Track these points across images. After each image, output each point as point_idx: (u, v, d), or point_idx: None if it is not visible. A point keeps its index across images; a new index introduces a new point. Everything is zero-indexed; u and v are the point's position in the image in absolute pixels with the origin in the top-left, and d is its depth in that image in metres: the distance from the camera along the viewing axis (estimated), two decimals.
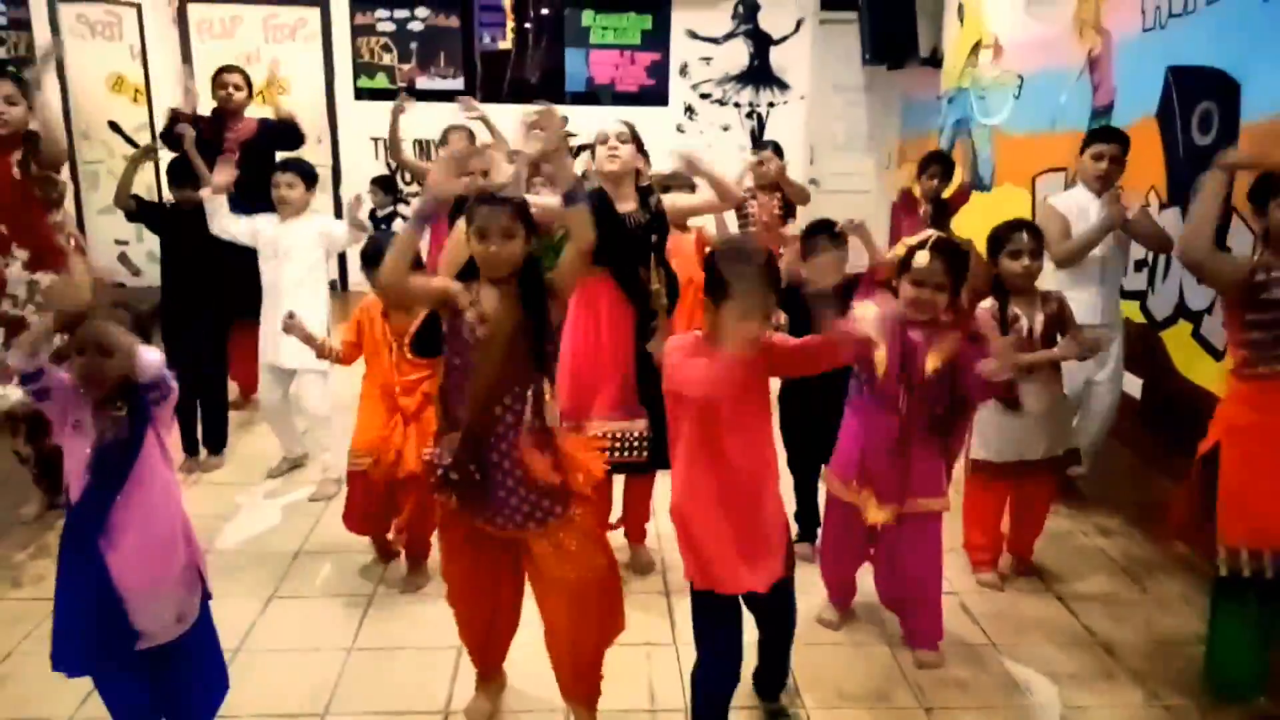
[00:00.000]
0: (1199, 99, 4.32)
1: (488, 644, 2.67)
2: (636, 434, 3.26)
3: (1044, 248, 3.42)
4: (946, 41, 7.50)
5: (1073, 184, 4.48)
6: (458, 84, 8.22)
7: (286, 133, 5.12)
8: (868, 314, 2.23)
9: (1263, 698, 2.78)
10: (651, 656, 3.02)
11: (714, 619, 2.40)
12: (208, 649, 2.45)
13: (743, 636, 2.44)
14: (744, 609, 2.44)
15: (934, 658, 3.02)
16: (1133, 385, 4.62)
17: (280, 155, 4.75)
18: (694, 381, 2.23)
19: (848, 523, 3.03)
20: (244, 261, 4.29)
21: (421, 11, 8.13)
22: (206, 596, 2.41)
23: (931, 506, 2.94)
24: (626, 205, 3.33)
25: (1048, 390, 3.41)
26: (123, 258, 7.78)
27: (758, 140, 8.27)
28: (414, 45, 8.17)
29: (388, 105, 8.04)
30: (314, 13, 8.11)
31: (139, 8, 7.57)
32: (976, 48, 6.91)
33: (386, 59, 8.21)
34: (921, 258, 2.80)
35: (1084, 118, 5.33)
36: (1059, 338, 3.36)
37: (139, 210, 4.52)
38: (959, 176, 5.64)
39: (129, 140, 5.56)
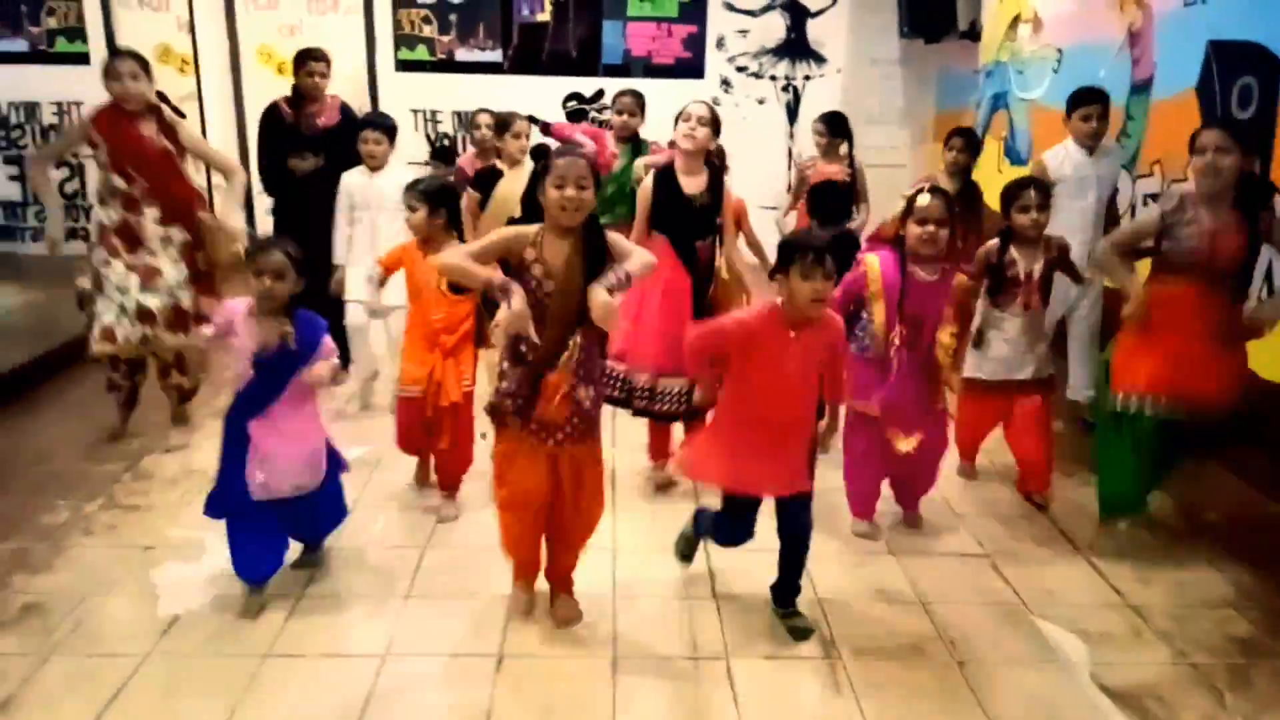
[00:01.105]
0: (1239, 74, 4.33)
1: (531, 543, 3.03)
2: (677, 389, 3.70)
3: (1049, 202, 3.80)
4: (985, 14, 7.47)
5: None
6: (495, 56, 8.31)
7: (352, 113, 5.35)
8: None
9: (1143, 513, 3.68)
10: (693, 611, 3.15)
11: (738, 511, 3.03)
12: (331, 497, 3.27)
13: (753, 529, 3.05)
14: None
15: (915, 518, 3.75)
16: None
17: None
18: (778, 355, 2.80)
19: (869, 437, 3.50)
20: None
21: None
22: (336, 467, 3.22)
23: (937, 408, 3.55)
24: (695, 181, 3.76)
25: (1033, 318, 3.86)
26: None
27: (793, 113, 8.32)
28: (453, 17, 8.25)
29: (428, 77, 8.26)
30: None
31: None
32: (1016, 21, 6.89)
33: (427, 31, 8.30)
34: (923, 199, 3.28)
35: (1123, 92, 5.32)
36: (1052, 279, 3.89)
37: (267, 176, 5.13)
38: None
39: (175, 110, 5.74)
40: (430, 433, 3.71)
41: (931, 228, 3.26)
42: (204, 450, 4.30)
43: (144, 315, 4.16)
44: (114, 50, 4.41)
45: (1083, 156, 4.65)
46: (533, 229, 2.74)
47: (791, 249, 2.77)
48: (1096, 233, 4.54)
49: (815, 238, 2.85)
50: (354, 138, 4.64)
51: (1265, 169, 4.11)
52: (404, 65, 8.30)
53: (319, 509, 3.24)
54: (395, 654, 2.87)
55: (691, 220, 3.76)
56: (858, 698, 2.73)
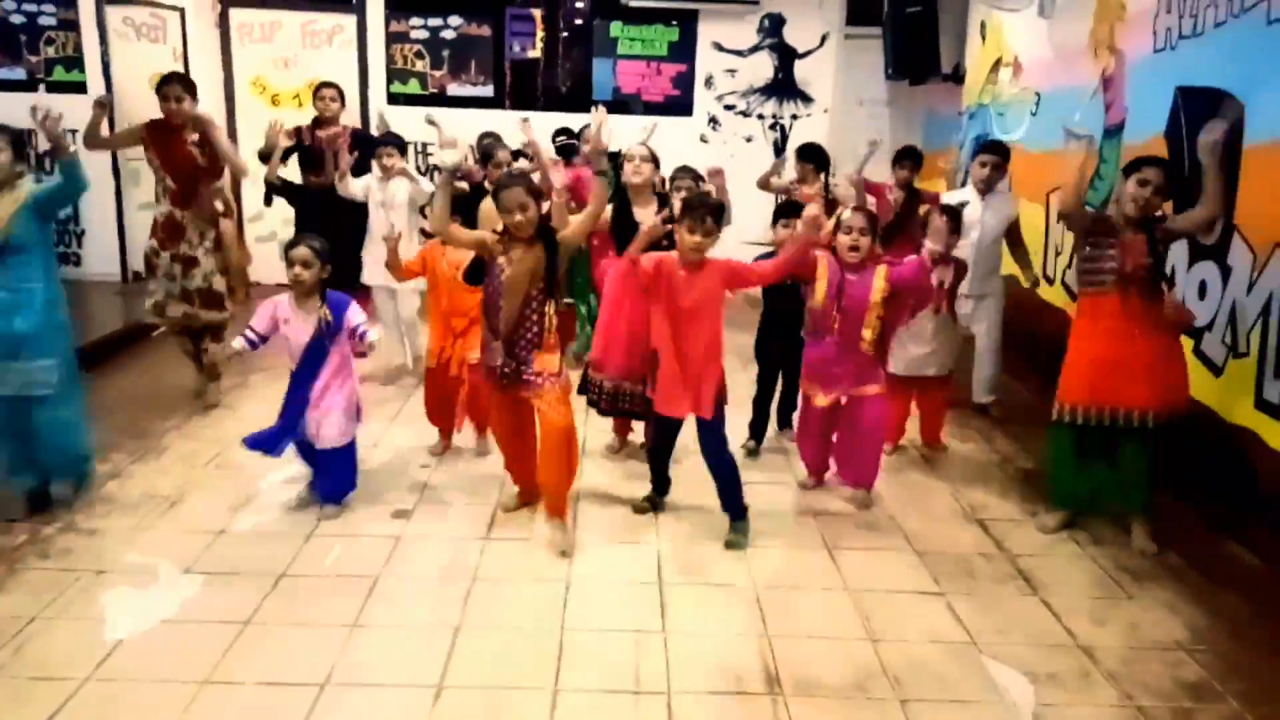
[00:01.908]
0: (1205, 119, 4.37)
1: (520, 462, 4.00)
2: (640, 393, 4.12)
3: (960, 227, 4.57)
4: (968, 58, 7.57)
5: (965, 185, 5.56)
6: (488, 91, 8.42)
7: (369, 141, 6.21)
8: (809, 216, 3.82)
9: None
10: (641, 645, 3.12)
11: (661, 426, 3.97)
12: (351, 458, 4.05)
13: (674, 442, 4.04)
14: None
15: (865, 497, 4.27)
16: None
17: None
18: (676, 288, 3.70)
19: (818, 414, 4.26)
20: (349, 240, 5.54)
21: (454, 20, 8.34)
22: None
23: (867, 392, 4.11)
24: (646, 209, 4.48)
25: (944, 326, 4.71)
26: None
27: (780, 150, 8.39)
28: (446, 53, 8.38)
29: (420, 110, 8.35)
30: (350, 20, 8.35)
31: (182, 12, 7.83)
32: (997, 64, 6.98)
33: (419, 66, 8.42)
34: (847, 214, 4.09)
35: (1097, 135, 5.38)
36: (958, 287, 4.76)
37: (283, 188, 5.86)
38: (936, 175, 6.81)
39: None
40: (448, 401, 4.62)
41: (855, 235, 4.00)
42: (169, 476, 4.33)
43: (186, 296, 5.04)
44: (164, 76, 5.13)
45: (975, 198, 5.27)
46: (498, 235, 3.62)
47: (687, 207, 3.68)
48: (982, 265, 5.27)
49: (706, 201, 3.71)
50: (363, 159, 5.62)
51: (1230, 212, 4.16)
52: (396, 99, 8.41)
53: (344, 464, 4.00)
54: (335, 683, 2.86)
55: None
56: None
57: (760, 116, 8.59)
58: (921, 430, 5.00)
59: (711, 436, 3.84)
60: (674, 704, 2.82)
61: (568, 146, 8.37)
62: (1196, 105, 4.46)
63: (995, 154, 5.28)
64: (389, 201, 5.56)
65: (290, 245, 3.83)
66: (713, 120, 8.53)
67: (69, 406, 3.93)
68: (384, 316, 5.82)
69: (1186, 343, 4.41)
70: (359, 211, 5.68)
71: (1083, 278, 3.92)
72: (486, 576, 3.53)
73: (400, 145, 5.68)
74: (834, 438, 4.37)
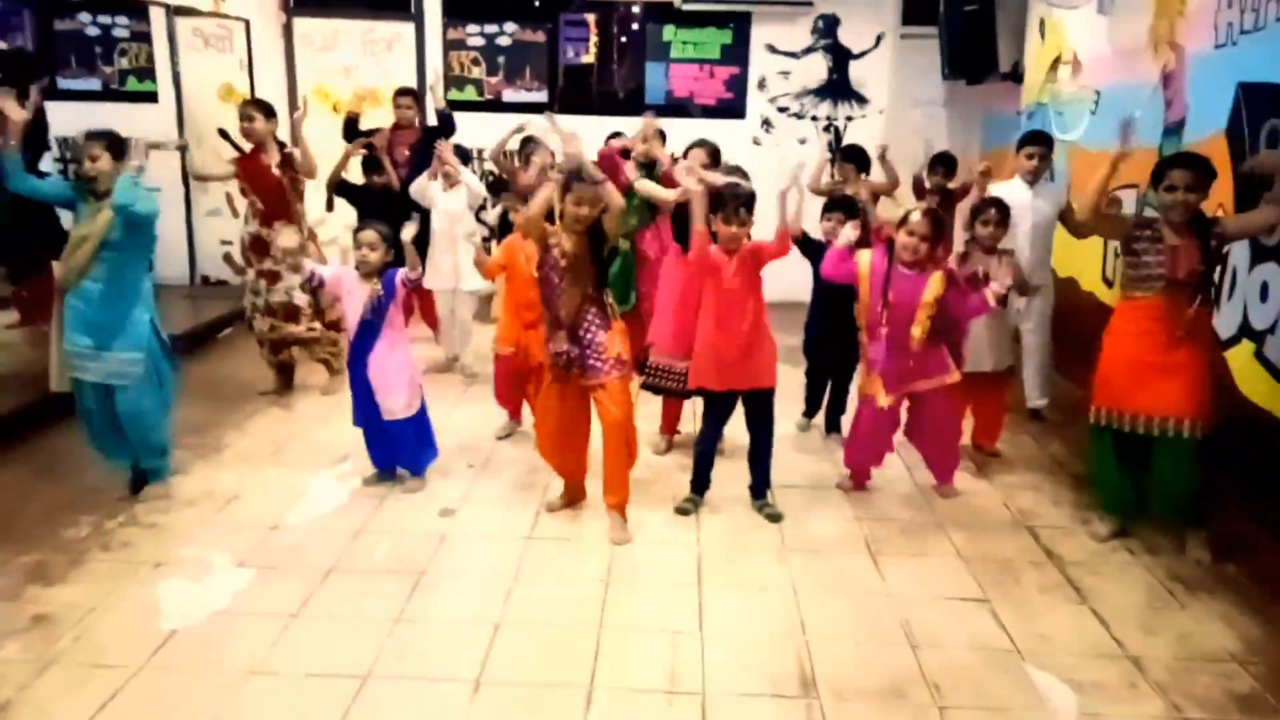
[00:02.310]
0: (1268, 116, 4.25)
1: (569, 458, 4.06)
2: (681, 370, 4.35)
3: (1008, 219, 4.56)
4: (1027, 56, 7.43)
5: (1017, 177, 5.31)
6: (542, 96, 8.51)
7: (443, 128, 6.54)
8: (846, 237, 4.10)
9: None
10: (677, 645, 3.14)
11: (713, 405, 4.14)
12: (424, 428, 4.35)
13: (722, 434, 4.22)
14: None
15: (950, 490, 4.40)
16: None
17: None
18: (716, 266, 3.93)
19: (873, 423, 4.23)
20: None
21: (510, 27, 8.45)
22: (423, 401, 4.33)
23: (940, 383, 4.17)
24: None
25: (994, 321, 4.59)
26: (226, 257, 8.25)
27: (835, 153, 8.32)
28: (502, 59, 8.49)
29: (477, 116, 8.50)
30: (409, 28, 8.51)
31: (248, 23, 8.06)
32: (1056, 63, 6.84)
33: (476, 72, 8.55)
34: (914, 215, 4.04)
35: (1157, 134, 5.26)
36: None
37: (343, 189, 6.09)
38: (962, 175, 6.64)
39: (236, 147, 6.07)
40: (519, 386, 4.88)
41: (915, 240, 3.99)
42: (228, 472, 4.47)
43: (270, 310, 5.42)
44: (244, 100, 5.64)
45: (1024, 189, 5.15)
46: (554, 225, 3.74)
47: (720, 201, 3.87)
48: (1033, 255, 5.08)
49: (737, 194, 3.90)
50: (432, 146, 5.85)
51: None
52: (453, 105, 8.52)
53: (418, 434, 4.28)
54: (376, 675, 2.93)
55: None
56: None
57: (814, 118, 8.53)
58: (975, 432, 4.90)
59: (763, 408, 4.10)
60: (708, 705, 2.83)
61: (621, 149, 8.45)
62: (1258, 101, 4.33)
63: (1040, 144, 5.17)
64: (450, 209, 5.79)
65: (358, 229, 4.16)
66: (766, 123, 8.50)
67: (150, 399, 4.08)
68: (444, 317, 6.16)
69: (1247, 348, 4.29)
70: (420, 209, 5.84)
71: (1128, 282, 3.82)
72: (527, 575, 3.58)
73: (464, 156, 5.96)
74: (894, 441, 4.40)
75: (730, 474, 4.36)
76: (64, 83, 8.41)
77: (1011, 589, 3.58)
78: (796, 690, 2.91)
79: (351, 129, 6.56)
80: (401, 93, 6.64)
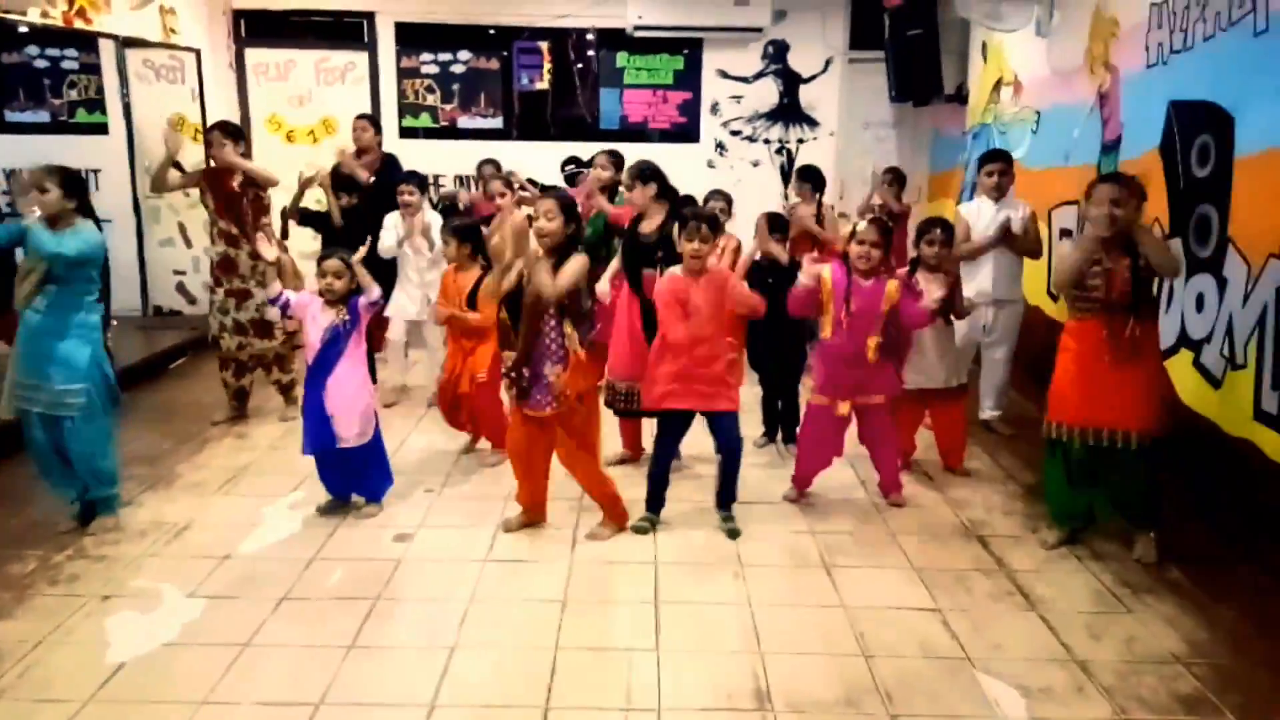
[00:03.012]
0: (1197, 132, 4.40)
1: (526, 481, 4.08)
2: (630, 390, 4.54)
3: (952, 239, 4.72)
4: (971, 79, 7.63)
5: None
6: (497, 123, 8.56)
7: (396, 164, 6.55)
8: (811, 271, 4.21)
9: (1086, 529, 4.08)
10: (633, 663, 3.15)
11: (668, 425, 4.18)
12: (379, 456, 4.35)
13: (677, 452, 4.40)
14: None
15: (899, 499, 4.51)
16: None
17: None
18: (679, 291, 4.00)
19: (821, 424, 4.37)
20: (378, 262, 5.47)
21: (463, 54, 8.50)
22: (378, 428, 4.30)
23: (872, 400, 4.31)
24: (649, 225, 4.67)
25: (941, 337, 4.71)
26: (180, 287, 8.17)
27: (787, 174, 8.45)
28: (456, 86, 8.53)
29: (432, 144, 8.53)
30: (362, 57, 8.53)
31: (199, 53, 8.03)
32: (998, 85, 7.02)
33: (430, 99, 8.58)
34: (862, 226, 4.21)
35: (1094, 152, 5.42)
36: (953, 302, 4.64)
37: (305, 218, 6.06)
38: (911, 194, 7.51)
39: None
40: (456, 409, 5.02)
41: (866, 248, 4.14)
42: (178, 503, 4.41)
43: (239, 328, 5.47)
44: (211, 125, 5.71)
45: (989, 206, 5.32)
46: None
47: (681, 220, 3.99)
48: (998, 271, 5.28)
49: (700, 211, 4.05)
50: (388, 186, 5.91)
51: (1224, 223, 4.16)
52: (407, 132, 8.56)
53: (374, 462, 4.30)
54: (329, 702, 2.90)
55: (642, 254, 4.65)
56: None
57: (767, 141, 8.66)
58: (941, 455, 4.98)
59: (727, 426, 4.11)
60: None
61: (575, 175, 8.53)
62: (1189, 119, 4.48)
63: (999, 161, 5.32)
64: (413, 240, 5.82)
65: (323, 257, 4.21)
66: (720, 146, 8.61)
67: (95, 429, 4.02)
68: (395, 342, 6.18)
69: (1186, 356, 4.42)
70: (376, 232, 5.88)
71: (1071, 302, 3.91)
72: (483, 597, 3.58)
73: (420, 182, 6.00)
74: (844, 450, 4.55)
75: (684, 491, 4.39)
76: (11, 115, 8.33)
77: (962, 597, 3.63)
78: (751, 704, 2.93)
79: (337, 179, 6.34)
80: (359, 117, 6.66)
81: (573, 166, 8.54)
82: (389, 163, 6.48)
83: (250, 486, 4.65)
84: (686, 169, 7.82)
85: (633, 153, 8.40)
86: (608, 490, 4.10)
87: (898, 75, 7.82)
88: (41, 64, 8.34)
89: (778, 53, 8.49)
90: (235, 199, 5.42)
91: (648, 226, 4.66)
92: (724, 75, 8.52)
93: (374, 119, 6.69)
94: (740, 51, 8.47)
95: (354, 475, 4.31)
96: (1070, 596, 3.64)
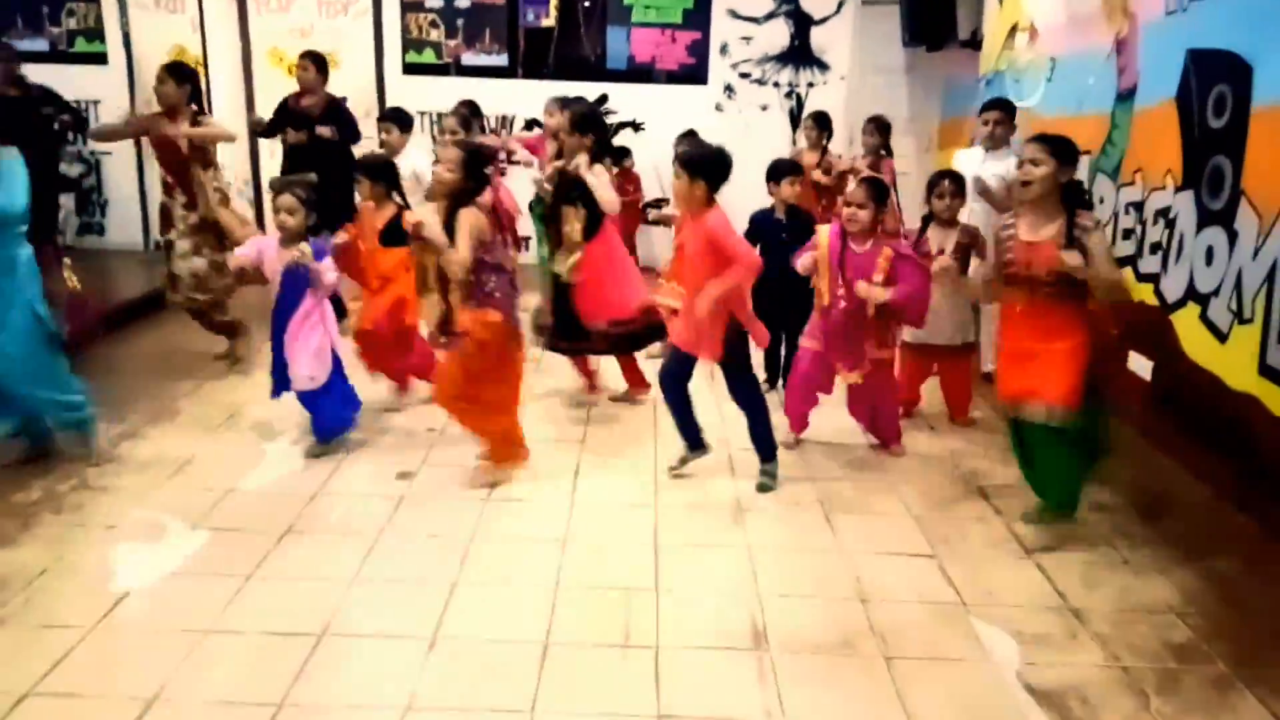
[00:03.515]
0: (1214, 82, 4.31)
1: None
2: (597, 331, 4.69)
3: (963, 190, 4.59)
4: (986, 24, 7.47)
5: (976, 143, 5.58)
6: (502, 60, 8.42)
7: (341, 111, 6.30)
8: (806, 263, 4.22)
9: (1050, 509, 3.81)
10: (632, 602, 3.18)
11: (672, 363, 4.08)
12: (332, 400, 4.25)
13: (685, 383, 4.06)
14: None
15: (899, 449, 4.52)
16: (1143, 367, 4.66)
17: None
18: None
19: (811, 368, 4.36)
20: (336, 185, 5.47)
21: None
22: (339, 370, 4.24)
23: (883, 355, 4.33)
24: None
25: (951, 295, 4.55)
26: None
27: (796, 119, 8.34)
28: (460, 22, 8.39)
29: (435, 80, 8.40)
30: None
31: None
32: (1013, 30, 6.88)
33: (434, 35, 8.44)
34: (851, 186, 4.28)
35: (1109, 100, 5.32)
36: (971, 257, 4.56)
37: (265, 129, 6.31)
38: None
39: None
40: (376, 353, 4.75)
41: (853, 209, 4.13)
42: (182, 437, 4.44)
43: (174, 280, 5.25)
44: (161, 66, 5.31)
45: (983, 155, 5.28)
46: None
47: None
48: (989, 220, 4.94)
49: (681, 153, 3.95)
50: (339, 124, 5.93)
51: (1237, 176, 4.11)
52: (411, 68, 8.43)
53: (326, 404, 4.21)
54: (332, 633, 2.94)
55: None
56: (779, 689, 2.75)
57: (776, 85, 8.53)
58: (949, 410, 5.01)
59: (731, 380, 4.02)
60: (661, 659, 2.87)
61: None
62: (1206, 67, 4.40)
63: (999, 109, 5.23)
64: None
65: (276, 193, 4.12)
66: (728, 89, 8.48)
67: (36, 362, 3.86)
68: None
69: (1193, 310, 4.39)
70: (345, 157, 5.84)
71: (1001, 275, 3.75)
72: (484, 536, 3.60)
73: (398, 119, 5.74)
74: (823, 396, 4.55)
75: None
76: (12, 43, 8.19)
77: (959, 545, 3.66)
78: (748, 644, 2.97)
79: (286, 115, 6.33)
80: (302, 55, 6.36)
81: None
82: (334, 107, 6.25)
83: (252, 422, 4.66)
84: (693, 112, 7.74)
85: (638, 95, 8.37)
86: (494, 429, 4.03)
87: (911, 19, 7.68)
88: None
89: None
90: (172, 146, 5.08)
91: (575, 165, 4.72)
92: (734, 15, 8.36)
93: (318, 58, 6.33)
94: None
95: (310, 413, 4.28)
96: (1067, 547, 3.66)
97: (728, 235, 3.78)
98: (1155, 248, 4.71)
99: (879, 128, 6.42)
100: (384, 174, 4.67)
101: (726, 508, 3.91)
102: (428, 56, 8.47)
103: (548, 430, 4.37)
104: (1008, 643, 3.02)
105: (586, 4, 8.37)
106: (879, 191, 4.17)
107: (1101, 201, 5.23)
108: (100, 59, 8.18)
